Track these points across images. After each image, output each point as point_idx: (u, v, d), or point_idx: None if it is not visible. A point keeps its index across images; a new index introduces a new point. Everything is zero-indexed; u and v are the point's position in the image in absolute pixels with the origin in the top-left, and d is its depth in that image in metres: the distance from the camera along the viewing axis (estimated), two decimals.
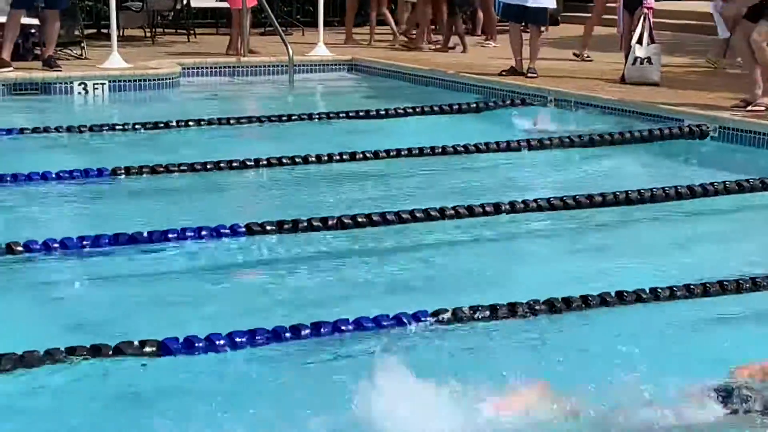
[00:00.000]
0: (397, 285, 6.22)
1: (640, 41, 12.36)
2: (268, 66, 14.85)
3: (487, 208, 7.57)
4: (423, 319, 5.40)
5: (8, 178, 8.30)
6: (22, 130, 10.39)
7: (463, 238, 7.18)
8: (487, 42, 16.91)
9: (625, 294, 5.80)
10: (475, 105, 12.00)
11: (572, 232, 7.44)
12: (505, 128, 10.97)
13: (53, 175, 8.43)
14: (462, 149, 9.62)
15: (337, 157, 9.26)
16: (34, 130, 10.39)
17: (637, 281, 5.97)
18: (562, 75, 13.18)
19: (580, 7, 20.90)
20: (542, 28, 13.77)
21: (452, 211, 7.47)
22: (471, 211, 7.51)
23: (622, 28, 13.09)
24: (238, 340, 5.09)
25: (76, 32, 14.97)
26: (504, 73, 13.15)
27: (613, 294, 5.78)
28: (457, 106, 11.83)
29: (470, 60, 14.74)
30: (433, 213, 7.42)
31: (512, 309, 5.57)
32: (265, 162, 9.03)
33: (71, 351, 4.88)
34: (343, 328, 5.30)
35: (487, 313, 5.50)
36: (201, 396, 4.62)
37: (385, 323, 5.35)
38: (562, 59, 14.58)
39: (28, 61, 13.79)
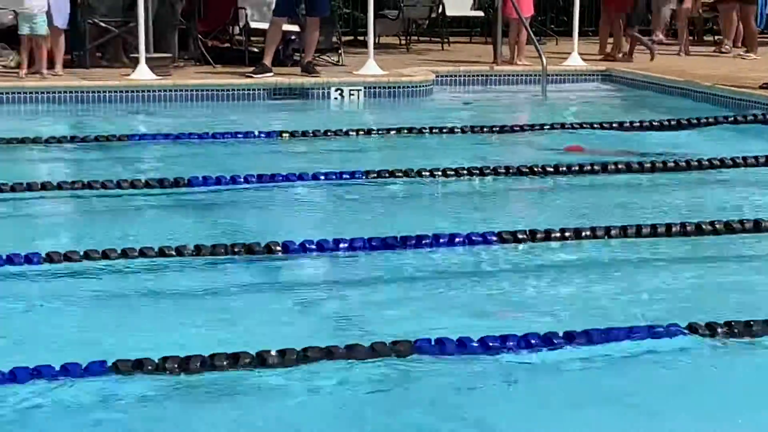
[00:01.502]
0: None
1: None
2: (521, 75, 14.83)
3: (717, 226, 7.28)
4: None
5: (266, 179, 8.55)
6: (280, 134, 10.71)
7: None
8: (747, 54, 16.46)
9: None
10: (732, 118, 11.67)
11: None
12: (764, 142, 10.63)
13: (309, 177, 8.65)
14: (718, 163, 9.35)
15: (588, 168, 9.16)
16: (292, 133, 10.68)
17: None
18: None
19: None
20: None
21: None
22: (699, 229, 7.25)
23: None
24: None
25: (334, 39, 15.30)
26: (765, 86, 12.75)
27: None
28: (712, 119, 11.53)
29: (728, 72, 14.36)
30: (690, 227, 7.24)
31: None
32: (515, 170, 9.01)
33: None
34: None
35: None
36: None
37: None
38: None
39: (287, 67, 14.21)
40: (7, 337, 5.21)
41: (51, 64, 13.35)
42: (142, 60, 13.13)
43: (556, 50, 16.51)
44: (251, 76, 13.37)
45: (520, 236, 6.97)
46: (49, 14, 13.12)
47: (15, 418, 4.37)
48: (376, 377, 4.84)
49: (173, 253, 6.40)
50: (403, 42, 17.66)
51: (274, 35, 13.65)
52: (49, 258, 6.19)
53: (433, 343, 5.07)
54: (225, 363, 4.77)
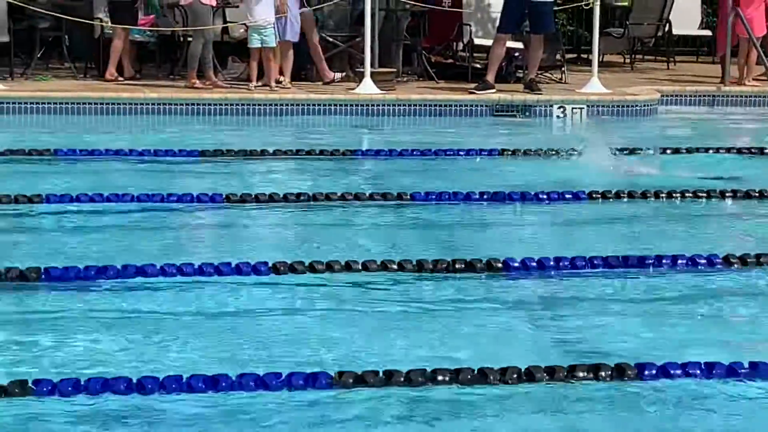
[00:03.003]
0: None
1: None
2: (750, 96, 14.44)
3: None
4: None
5: (488, 196, 8.52)
6: (502, 152, 10.69)
7: None
8: None
9: None
10: None
11: None
12: None
13: (531, 196, 8.58)
14: None
15: None
16: (514, 152, 10.66)
17: None
18: None
19: None
20: None
21: None
22: None
23: None
24: None
25: (558, 56, 15.23)
26: None
27: None
28: None
29: None
30: None
31: None
32: (742, 194, 8.77)
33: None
34: None
35: None
36: None
37: None
38: None
39: (510, 84, 14.20)
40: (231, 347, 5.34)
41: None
42: (368, 74, 13.33)
43: None
44: (474, 92, 13.42)
45: (749, 260, 6.77)
46: (279, 28, 13.45)
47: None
48: (597, 400, 4.77)
49: (395, 267, 6.46)
50: (628, 60, 17.44)
51: (497, 51, 13.66)
52: (275, 269, 6.33)
53: (659, 366, 4.95)
54: (447, 378, 4.78)
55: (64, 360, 5.03)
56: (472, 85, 13.71)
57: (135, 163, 9.95)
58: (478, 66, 14.80)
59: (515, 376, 4.82)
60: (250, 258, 6.46)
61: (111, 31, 14.10)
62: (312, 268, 6.35)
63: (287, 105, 13.07)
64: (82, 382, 4.61)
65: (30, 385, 4.56)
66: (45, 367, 4.92)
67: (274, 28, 13.39)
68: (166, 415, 4.48)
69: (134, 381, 4.64)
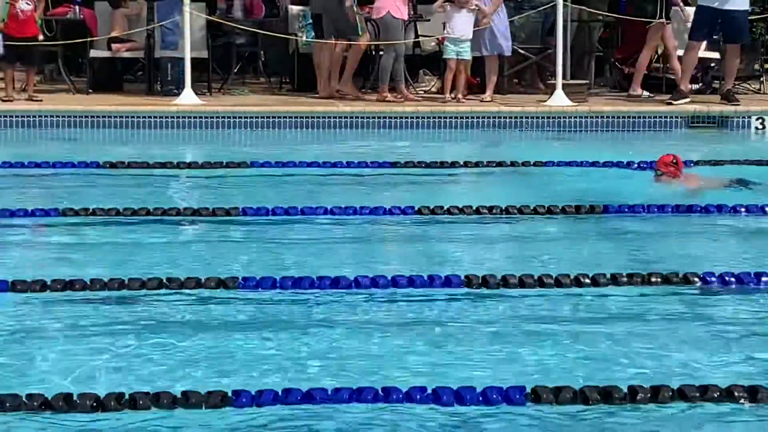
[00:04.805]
0: None
1: None
2: None
3: None
4: None
5: (670, 209, 8.36)
6: (696, 163, 10.46)
7: None
8: None
9: None
10: None
11: None
12: None
13: (728, 209, 8.35)
14: None
15: None
16: (709, 162, 10.43)
17: None
18: None
19: None
20: None
21: None
22: None
23: None
24: None
25: (756, 66, 14.87)
26: None
27: None
28: None
29: None
30: None
31: None
32: None
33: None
34: None
35: None
36: None
37: None
38: None
39: (705, 95, 13.92)
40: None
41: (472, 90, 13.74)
42: (559, 86, 13.24)
43: None
44: (671, 103, 13.19)
45: None
46: (485, 41, 13.51)
47: None
48: None
49: (588, 282, 6.36)
50: None
51: (690, 59, 13.40)
52: (468, 281, 6.31)
53: None
54: (647, 396, 4.69)
55: (263, 370, 5.10)
56: (667, 96, 13.48)
57: (328, 176, 10.08)
58: (672, 77, 14.54)
59: (716, 395, 4.70)
60: (442, 270, 6.47)
61: (306, 46, 14.35)
62: (505, 282, 6.32)
63: (478, 117, 13.07)
64: (280, 393, 4.66)
65: (230, 395, 4.64)
66: (243, 377, 5.01)
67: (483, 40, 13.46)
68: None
69: (303, 391, 4.66)
